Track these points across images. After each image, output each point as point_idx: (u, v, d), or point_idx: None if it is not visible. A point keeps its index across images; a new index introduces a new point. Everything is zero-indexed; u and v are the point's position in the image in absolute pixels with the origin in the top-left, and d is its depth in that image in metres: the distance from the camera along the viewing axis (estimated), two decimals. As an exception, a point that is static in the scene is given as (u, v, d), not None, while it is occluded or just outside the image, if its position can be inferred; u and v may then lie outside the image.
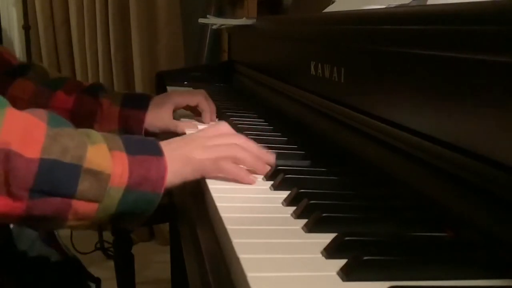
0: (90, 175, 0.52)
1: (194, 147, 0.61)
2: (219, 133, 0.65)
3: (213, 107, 0.95)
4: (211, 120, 0.94)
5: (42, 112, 0.54)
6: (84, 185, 0.52)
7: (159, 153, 0.57)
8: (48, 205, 0.51)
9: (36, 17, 2.33)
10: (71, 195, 0.51)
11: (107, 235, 1.97)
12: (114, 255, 1.61)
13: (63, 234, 2.12)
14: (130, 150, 0.56)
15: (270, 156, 0.65)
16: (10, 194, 0.49)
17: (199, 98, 0.94)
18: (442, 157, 0.50)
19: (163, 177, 0.55)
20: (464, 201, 0.47)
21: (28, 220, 0.52)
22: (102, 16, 2.18)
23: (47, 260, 0.83)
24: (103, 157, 0.54)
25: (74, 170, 0.51)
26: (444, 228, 0.48)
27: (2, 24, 2.39)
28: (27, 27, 2.23)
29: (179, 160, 0.58)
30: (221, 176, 0.61)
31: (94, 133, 0.56)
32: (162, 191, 0.55)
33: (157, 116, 0.89)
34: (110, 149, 0.55)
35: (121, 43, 2.17)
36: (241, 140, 0.64)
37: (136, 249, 1.57)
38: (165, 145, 0.59)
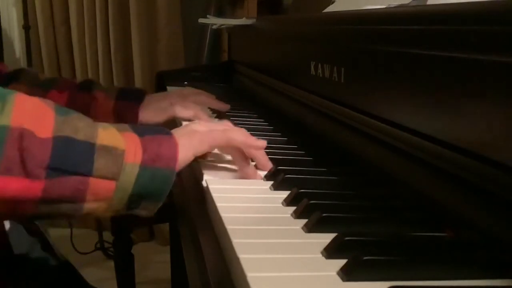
0: (104, 151, 0.52)
1: (198, 124, 0.62)
2: (221, 123, 0.67)
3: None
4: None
5: (49, 101, 0.55)
6: (100, 162, 0.52)
7: (167, 132, 0.58)
8: (65, 184, 0.51)
9: (36, 17, 2.33)
10: (88, 173, 0.51)
11: (107, 235, 1.98)
12: (114, 255, 1.61)
13: (63, 234, 2.12)
14: (139, 132, 0.56)
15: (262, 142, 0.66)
16: (27, 173, 0.49)
17: (202, 100, 0.94)
18: (442, 157, 0.50)
19: (175, 153, 0.56)
20: (464, 201, 0.47)
21: (45, 203, 0.51)
22: (102, 16, 2.18)
23: (45, 266, 0.83)
24: (115, 135, 0.54)
25: (88, 147, 0.52)
26: (444, 228, 0.48)
27: (2, 24, 2.39)
28: (27, 27, 2.23)
29: (185, 135, 0.59)
30: (229, 144, 0.62)
31: (101, 123, 0.57)
32: (176, 167, 0.55)
33: (154, 111, 0.89)
34: (120, 131, 0.55)
35: (121, 43, 2.17)
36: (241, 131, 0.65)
37: (136, 249, 1.57)
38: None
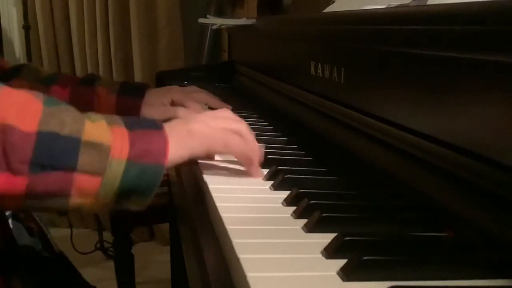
0: (90, 147, 0.51)
1: (197, 121, 0.61)
2: (221, 115, 0.65)
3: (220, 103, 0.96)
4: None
5: (38, 93, 0.54)
6: (84, 158, 0.51)
7: (158, 127, 0.57)
8: (49, 179, 0.50)
9: (36, 17, 2.33)
10: (72, 169, 0.51)
11: (107, 235, 1.98)
12: (114, 255, 1.61)
13: (63, 234, 2.13)
14: (129, 126, 0.56)
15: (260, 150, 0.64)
16: (10, 169, 0.49)
17: (203, 97, 0.94)
18: (442, 157, 0.50)
19: (164, 149, 0.55)
20: (464, 201, 0.47)
21: (30, 198, 0.51)
22: (102, 16, 2.18)
23: (43, 262, 0.83)
24: (102, 130, 0.53)
25: (73, 143, 0.51)
26: (444, 228, 0.48)
27: (2, 24, 2.39)
28: (27, 27, 2.23)
29: (182, 133, 0.58)
30: (227, 152, 0.61)
31: (93, 114, 0.56)
32: (166, 162, 0.55)
33: (156, 109, 0.89)
34: (109, 124, 0.55)
35: (121, 43, 2.17)
36: (243, 126, 0.64)
37: (136, 249, 1.57)
38: (165, 124, 0.59)
